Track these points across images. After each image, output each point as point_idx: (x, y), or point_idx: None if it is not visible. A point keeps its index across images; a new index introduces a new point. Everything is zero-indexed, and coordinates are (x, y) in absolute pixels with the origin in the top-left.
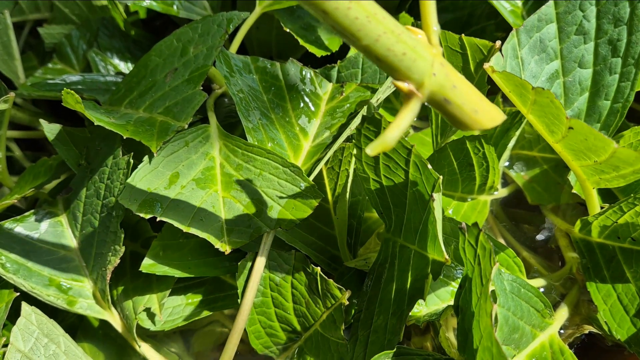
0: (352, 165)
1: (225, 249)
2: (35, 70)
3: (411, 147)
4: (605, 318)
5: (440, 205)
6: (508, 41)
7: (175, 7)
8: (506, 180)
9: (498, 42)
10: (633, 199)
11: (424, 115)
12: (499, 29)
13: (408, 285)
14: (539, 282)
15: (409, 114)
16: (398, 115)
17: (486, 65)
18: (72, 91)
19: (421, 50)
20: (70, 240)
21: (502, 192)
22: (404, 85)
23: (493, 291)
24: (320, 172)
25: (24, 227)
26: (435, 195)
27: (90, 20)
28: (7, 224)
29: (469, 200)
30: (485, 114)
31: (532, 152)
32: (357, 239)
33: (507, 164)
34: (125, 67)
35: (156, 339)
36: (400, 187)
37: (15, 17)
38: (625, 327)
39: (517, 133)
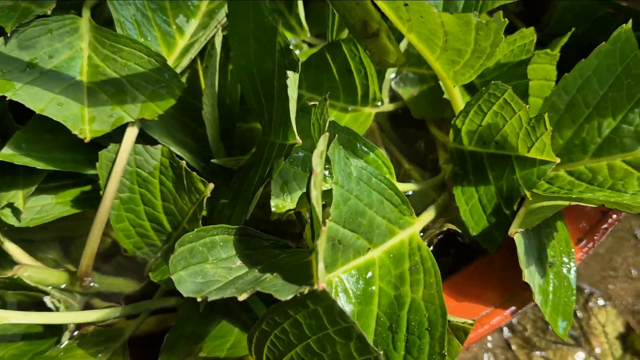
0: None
1: (85, 136)
2: None
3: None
4: (464, 217)
5: (295, 84)
6: None
7: None
8: (396, 96)
9: None
10: (487, 95)
11: (321, 33)
12: None
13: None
14: (410, 186)
15: None
16: None
17: None
18: None
19: None
20: None
21: (389, 107)
22: None
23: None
24: (197, 72)
25: None
26: (289, 73)
27: None
28: None
29: (349, 110)
30: None
31: (421, 69)
32: (232, 143)
33: (396, 79)
34: None
35: (33, 245)
36: (270, 76)
37: None
38: (481, 225)
39: None
